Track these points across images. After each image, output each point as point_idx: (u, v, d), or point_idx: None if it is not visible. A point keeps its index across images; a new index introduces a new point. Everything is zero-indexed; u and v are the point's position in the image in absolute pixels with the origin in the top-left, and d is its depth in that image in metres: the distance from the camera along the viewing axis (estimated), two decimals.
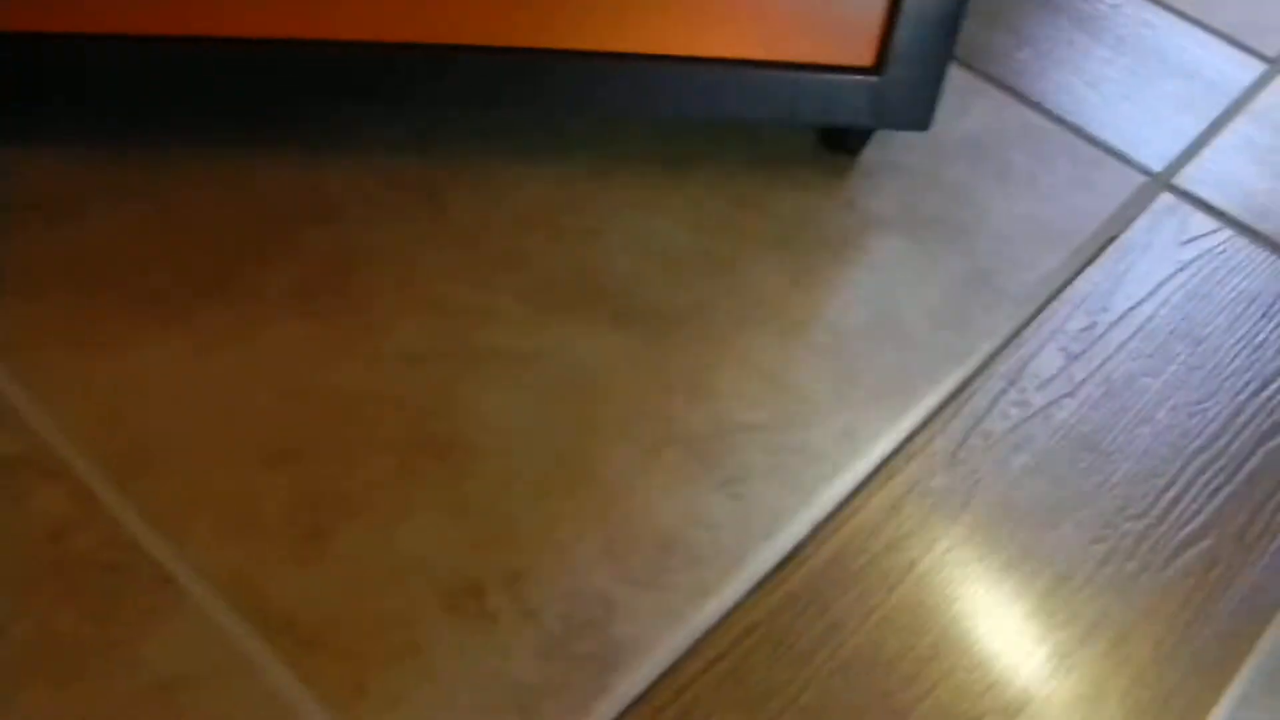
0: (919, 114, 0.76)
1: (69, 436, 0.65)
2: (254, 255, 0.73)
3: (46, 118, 0.78)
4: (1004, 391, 0.73)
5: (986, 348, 0.75)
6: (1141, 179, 0.86)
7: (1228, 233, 0.84)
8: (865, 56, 0.70)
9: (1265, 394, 0.75)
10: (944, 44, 0.73)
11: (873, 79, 0.74)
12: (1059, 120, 0.89)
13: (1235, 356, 0.77)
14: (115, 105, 0.78)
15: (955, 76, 0.89)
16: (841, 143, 0.82)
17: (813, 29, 0.70)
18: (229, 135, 0.78)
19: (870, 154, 0.83)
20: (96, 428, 0.65)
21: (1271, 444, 0.72)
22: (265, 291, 0.71)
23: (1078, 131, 0.89)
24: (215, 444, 0.64)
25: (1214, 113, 0.93)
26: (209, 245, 0.73)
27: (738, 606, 0.62)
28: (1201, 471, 0.71)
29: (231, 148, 0.77)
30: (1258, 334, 0.78)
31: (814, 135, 0.83)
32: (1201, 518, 0.69)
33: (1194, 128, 0.91)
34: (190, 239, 0.73)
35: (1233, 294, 0.80)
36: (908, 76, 0.74)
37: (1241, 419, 0.74)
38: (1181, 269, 0.81)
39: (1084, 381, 0.74)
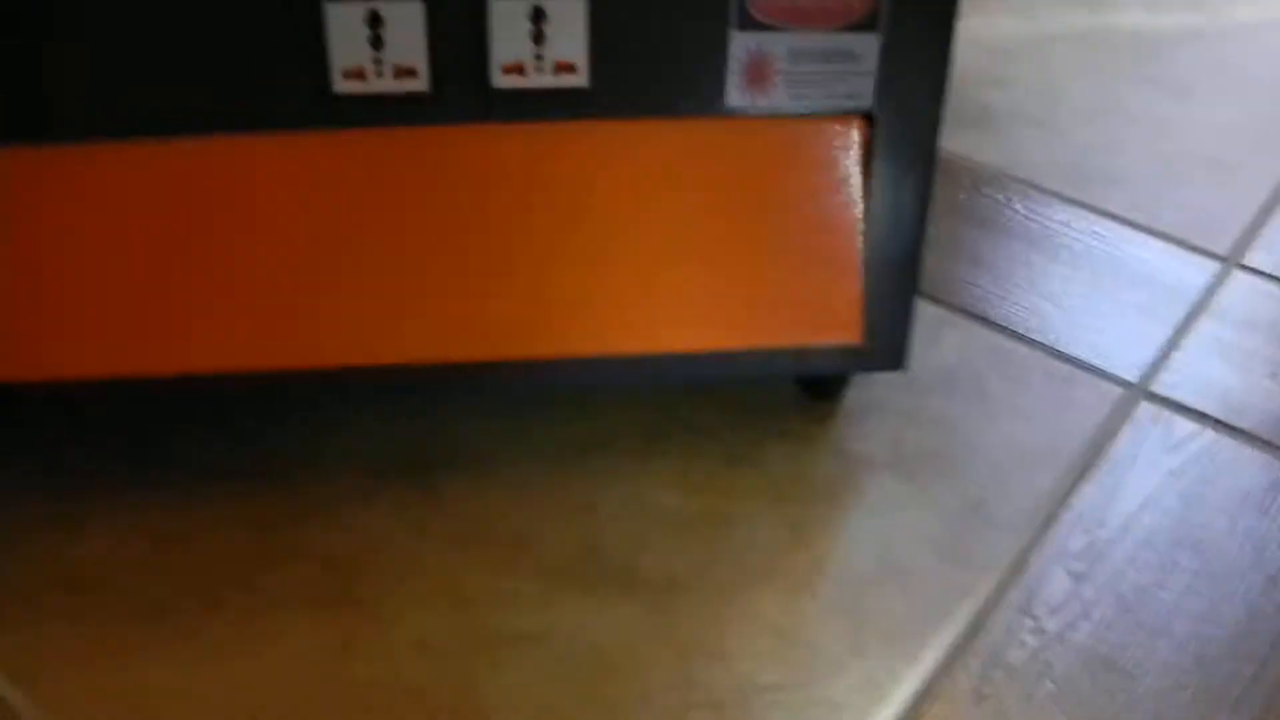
0: (893, 356, 0.78)
1: None
2: (255, 561, 0.73)
3: (35, 437, 0.78)
4: (1017, 621, 0.73)
5: (993, 578, 0.75)
6: (1118, 390, 0.88)
7: (1211, 434, 0.85)
8: (853, 334, 0.72)
9: (1276, 591, 0.75)
10: (907, 284, 0.75)
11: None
12: (1029, 341, 0.91)
13: (1240, 556, 0.77)
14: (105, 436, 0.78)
15: (923, 311, 0.91)
16: (822, 390, 0.83)
17: (795, 315, 0.72)
18: (218, 447, 0.79)
19: (852, 396, 0.84)
20: None
21: None
22: (270, 596, 0.71)
23: (1048, 350, 0.91)
24: None
25: (1178, 316, 0.95)
26: (209, 555, 0.73)
27: None
28: (1227, 679, 0.70)
29: (221, 458, 0.78)
30: (1258, 531, 0.79)
31: (795, 385, 0.84)
32: None
33: (1161, 333, 0.93)
34: (190, 550, 0.73)
35: (1226, 494, 0.81)
36: (878, 321, 0.75)
37: (1258, 620, 0.73)
38: (1172, 475, 0.82)
39: (1095, 601, 0.74)
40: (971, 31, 1.34)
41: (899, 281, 0.75)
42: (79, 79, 0.64)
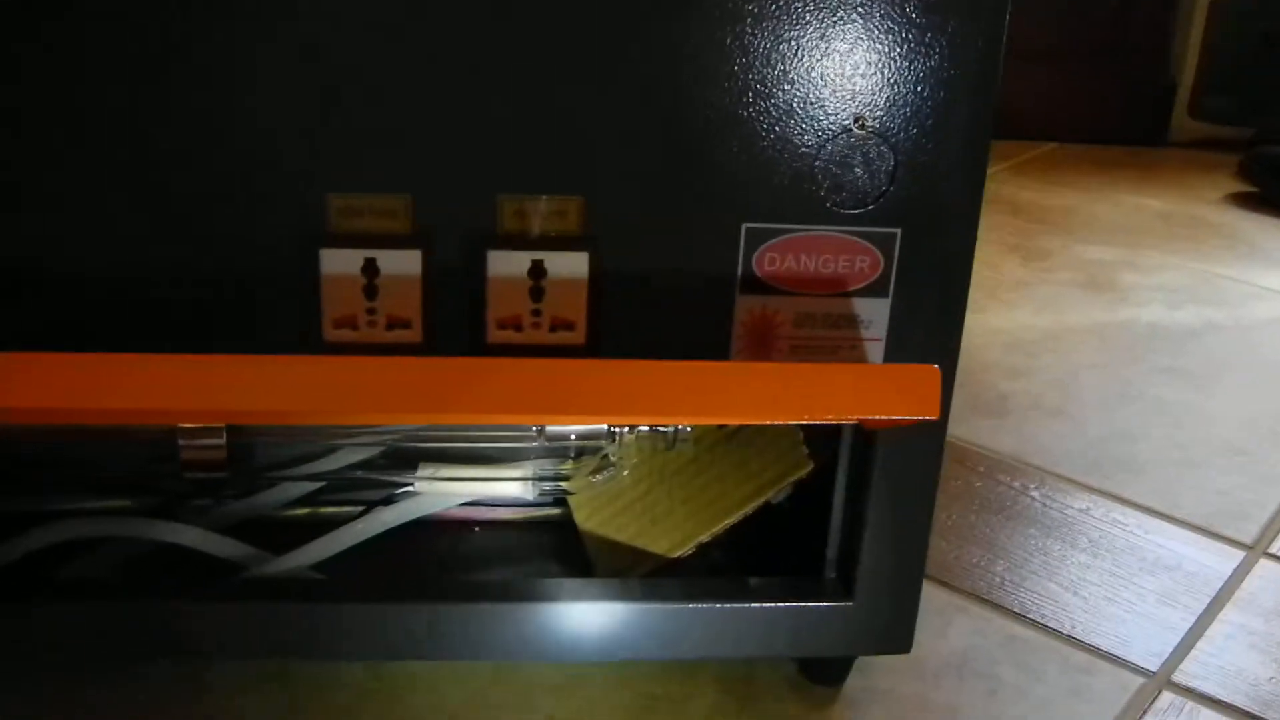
0: (897, 637, 0.75)
1: None
2: None
3: None
4: None
5: None
6: (1139, 680, 0.83)
7: None
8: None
9: None
10: (914, 561, 0.72)
11: (846, 604, 0.73)
12: (1045, 628, 0.88)
13: None
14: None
15: (934, 596, 0.88)
16: (822, 673, 0.80)
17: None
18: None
19: (853, 682, 0.80)
20: None
21: None
22: None
23: (1065, 638, 0.87)
24: None
25: (1201, 605, 0.91)
26: None
27: None
28: None
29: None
30: None
31: (793, 667, 0.81)
32: None
33: (1184, 622, 0.89)
34: None
35: None
36: (881, 599, 0.73)
37: None
38: None
39: None
40: (991, 323, 1.35)
41: (905, 559, 0.73)
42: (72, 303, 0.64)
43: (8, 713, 0.74)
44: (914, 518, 0.72)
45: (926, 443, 0.70)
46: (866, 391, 0.62)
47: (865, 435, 0.70)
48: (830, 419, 0.64)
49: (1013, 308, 1.42)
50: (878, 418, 0.64)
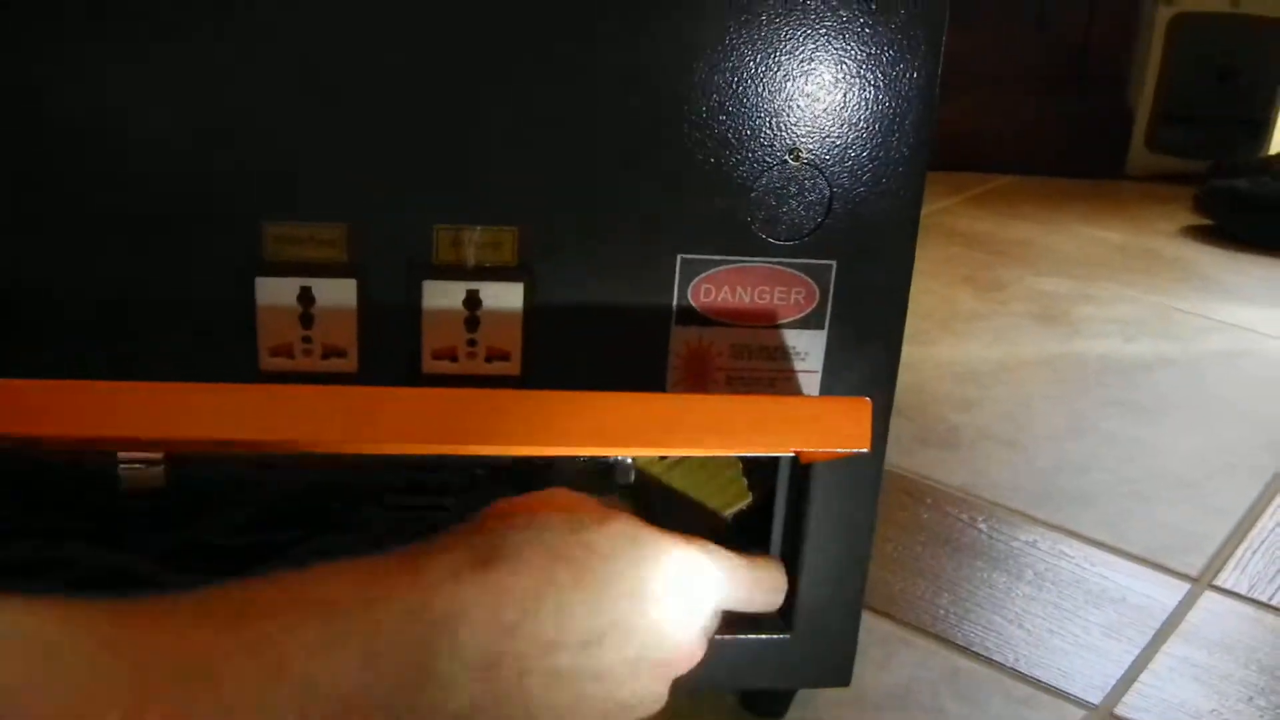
0: (837, 669, 0.74)
1: None
2: None
3: None
4: None
5: None
6: (1080, 713, 0.84)
7: None
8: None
9: None
10: (852, 593, 0.72)
11: (785, 637, 0.72)
12: (988, 660, 0.87)
13: None
14: None
15: (877, 628, 0.88)
16: (764, 705, 0.79)
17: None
18: None
19: (794, 715, 0.80)
20: None
21: None
22: None
23: (1008, 670, 0.87)
24: None
25: (1145, 637, 0.91)
26: None
27: None
28: None
29: None
30: None
31: (734, 699, 0.80)
32: None
33: (1127, 655, 0.89)
34: None
35: None
36: (820, 632, 0.72)
37: None
38: None
39: None
40: (942, 355, 1.35)
41: (843, 591, 0.72)
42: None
43: None
44: (852, 550, 0.72)
45: (863, 474, 0.70)
46: (798, 424, 0.62)
47: (802, 467, 0.70)
48: (763, 451, 0.64)
49: (966, 339, 1.42)
50: (811, 450, 0.64)
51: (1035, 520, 1.05)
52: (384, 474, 0.80)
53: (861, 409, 0.62)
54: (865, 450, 0.62)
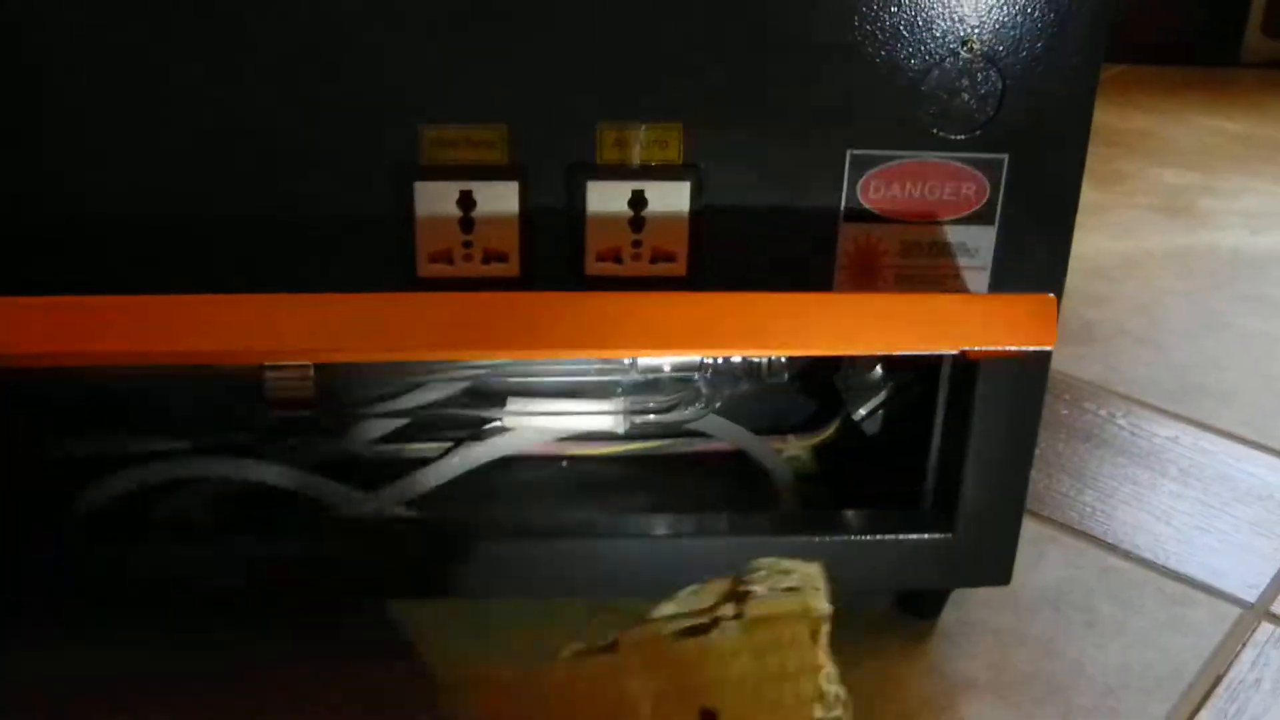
0: (997, 569, 0.74)
1: None
2: None
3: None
4: None
5: None
6: (1236, 611, 0.82)
7: None
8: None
9: None
10: (1015, 492, 0.71)
11: (946, 537, 0.72)
12: (1138, 560, 0.86)
13: None
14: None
15: (1025, 527, 0.86)
16: (919, 606, 0.79)
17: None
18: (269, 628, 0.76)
19: (949, 615, 0.79)
20: None
21: None
22: None
23: (1160, 569, 0.86)
24: None
25: None
26: None
27: None
28: None
29: (270, 642, 0.75)
30: None
31: (889, 601, 0.80)
32: None
33: (1279, 552, 0.88)
34: None
35: None
36: (982, 531, 0.72)
37: None
38: None
39: None
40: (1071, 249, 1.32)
41: (1006, 491, 0.71)
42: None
43: (116, 652, 0.75)
44: (1016, 449, 0.71)
45: (1031, 372, 0.68)
46: (984, 321, 0.61)
47: (967, 366, 0.68)
48: (944, 348, 0.63)
49: (1091, 232, 1.39)
50: (993, 348, 0.63)
51: (1175, 416, 1.03)
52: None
53: (1046, 305, 0.61)
54: (1050, 348, 0.61)
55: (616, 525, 0.73)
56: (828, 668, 0.51)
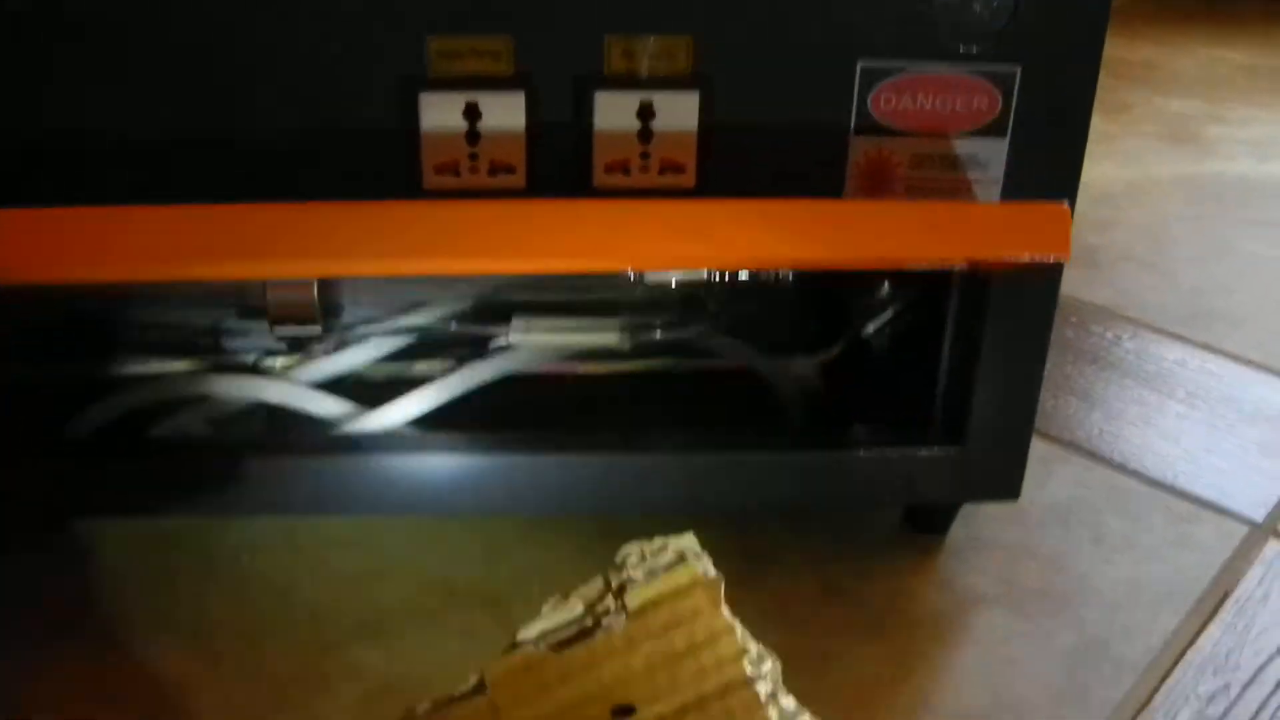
0: (1007, 483, 0.74)
1: None
2: (306, 678, 0.70)
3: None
4: None
5: None
6: (1243, 529, 0.83)
7: None
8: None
9: None
10: (1025, 406, 0.71)
11: (957, 450, 0.72)
12: (1146, 479, 0.86)
13: None
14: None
15: (1033, 446, 0.86)
16: (927, 522, 0.79)
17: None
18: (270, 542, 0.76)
19: (958, 531, 0.80)
20: None
21: None
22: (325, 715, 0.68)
23: (1168, 489, 0.86)
24: None
25: None
26: (257, 670, 0.70)
27: None
28: None
29: (271, 557, 0.76)
30: None
31: (898, 517, 0.80)
32: None
33: None
34: (236, 664, 0.71)
35: None
36: (992, 445, 0.72)
37: None
38: None
39: None
40: None
41: (1016, 404, 0.71)
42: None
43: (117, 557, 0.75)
44: (1027, 363, 0.71)
45: (1043, 285, 0.68)
46: (998, 229, 0.60)
47: (979, 279, 0.68)
48: (960, 258, 0.63)
49: (1096, 160, 1.38)
50: (1008, 258, 0.62)
51: (1182, 339, 1.03)
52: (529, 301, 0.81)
53: (1060, 215, 0.60)
54: (1065, 258, 0.61)
55: (622, 440, 0.72)
56: (738, 627, 0.48)
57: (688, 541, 0.49)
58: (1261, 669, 0.73)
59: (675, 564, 0.48)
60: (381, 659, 0.71)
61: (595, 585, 0.48)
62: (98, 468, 0.71)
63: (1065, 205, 0.61)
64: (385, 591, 0.75)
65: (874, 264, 0.71)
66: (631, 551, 0.49)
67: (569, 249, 0.62)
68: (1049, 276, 0.68)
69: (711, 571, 0.48)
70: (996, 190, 0.65)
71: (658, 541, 0.49)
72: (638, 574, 0.47)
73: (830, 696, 0.69)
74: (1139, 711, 0.70)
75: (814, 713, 0.64)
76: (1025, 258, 0.62)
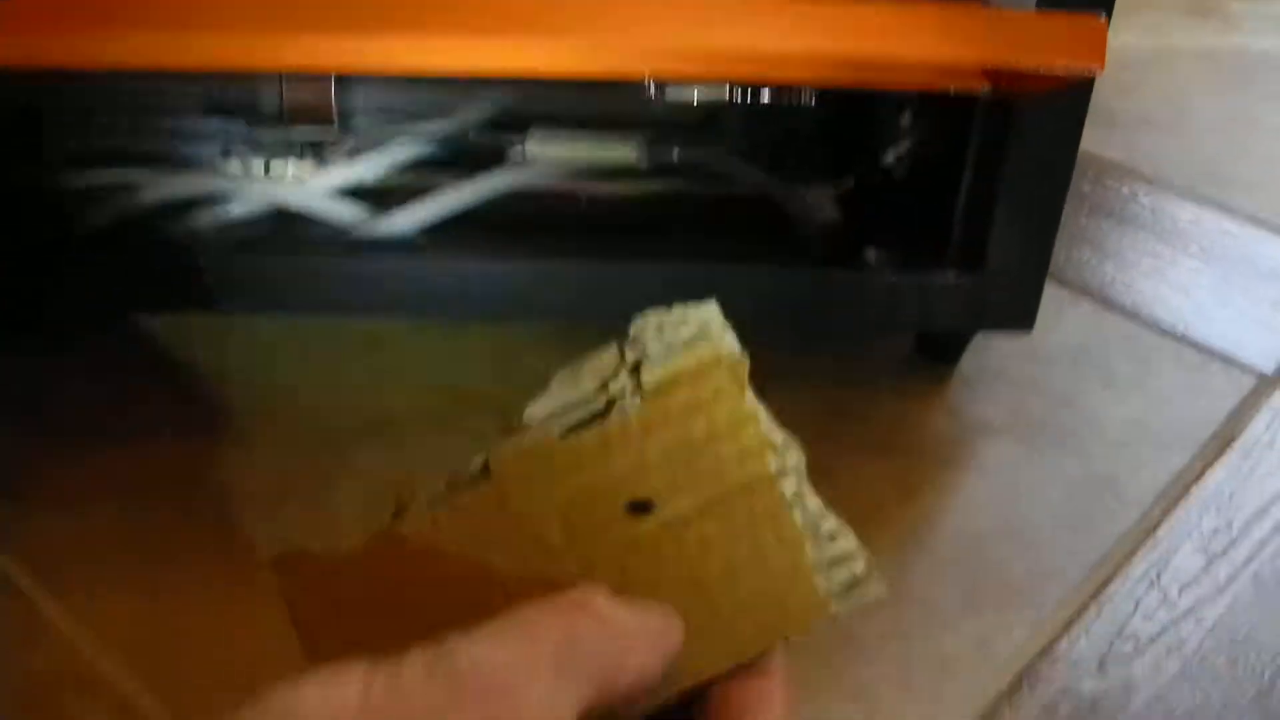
0: (1022, 314, 0.73)
1: (112, 651, 0.60)
2: (312, 475, 0.70)
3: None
4: (1146, 594, 0.67)
5: (1119, 550, 0.69)
6: (1252, 379, 0.82)
7: None
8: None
9: None
10: (1044, 234, 0.70)
11: (972, 277, 0.71)
12: (1157, 327, 0.86)
13: None
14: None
15: (1046, 288, 0.86)
16: (938, 351, 0.79)
17: None
18: (277, 349, 0.76)
19: (968, 362, 0.79)
20: (141, 641, 0.61)
21: None
22: (330, 509, 0.68)
23: (1178, 337, 0.85)
24: (266, 658, 0.59)
25: None
26: (264, 464, 0.70)
27: None
28: None
29: (280, 361, 0.76)
30: None
31: (908, 347, 0.80)
32: None
33: None
34: (243, 456, 0.71)
35: None
36: (1009, 273, 0.71)
37: None
38: None
39: (1230, 581, 0.68)
40: None
41: (1036, 232, 0.70)
42: None
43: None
44: (1048, 191, 0.70)
45: (1069, 109, 0.67)
46: (1035, 36, 0.59)
47: (1003, 104, 0.67)
48: (997, 64, 0.61)
49: (1117, 32, 1.35)
50: (1042, 67, 0.61)
51: (1199, 198, 1.02)
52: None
53: (1096, 26, 0.59)
54: (1099, 70, 0.60)
55: (635, 247, 0.72)
56: (762, 413, 0.43)
57: (710, 313, 0.44)
58: (1264, 510, 0.73)
59: (696, 339, 0.44)
60: (386, 459, 0.71)
61: (609, 358, 0.43)
62: (107, 264, 0.70)
63: (1100, 18, 0.59)
64: (392, 395, 0.75)
65: (902, 74, 0.69)
66: (649, 323, 0.44)
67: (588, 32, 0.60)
68: (1075, 101, 0.67)
69: (736, 348, 0.44)
70: (1031, 1, 0.64)
71: (677, 312, 0.44)
72: (655, 349, 0.43)
73: (835, 506, 0.69)
74: (1142, 543, 0.70)
75: None
76: (1059, 67, 0.61)
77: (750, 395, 0.43)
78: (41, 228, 0.73)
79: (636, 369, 0.43)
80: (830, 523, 0.43)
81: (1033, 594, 0.66)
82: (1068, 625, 0.65)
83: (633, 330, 0.44)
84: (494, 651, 0.34)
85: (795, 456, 0.43)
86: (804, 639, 0.54)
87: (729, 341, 0.44)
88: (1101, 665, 0.63)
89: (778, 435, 0.43)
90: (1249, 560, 0.69)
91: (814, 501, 0.43)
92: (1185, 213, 1.00)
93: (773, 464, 0.43)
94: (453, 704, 0.32)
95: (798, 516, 0.43)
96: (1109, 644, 0.64)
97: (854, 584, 0.42)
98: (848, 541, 0.43)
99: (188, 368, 0.77)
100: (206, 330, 0.78)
